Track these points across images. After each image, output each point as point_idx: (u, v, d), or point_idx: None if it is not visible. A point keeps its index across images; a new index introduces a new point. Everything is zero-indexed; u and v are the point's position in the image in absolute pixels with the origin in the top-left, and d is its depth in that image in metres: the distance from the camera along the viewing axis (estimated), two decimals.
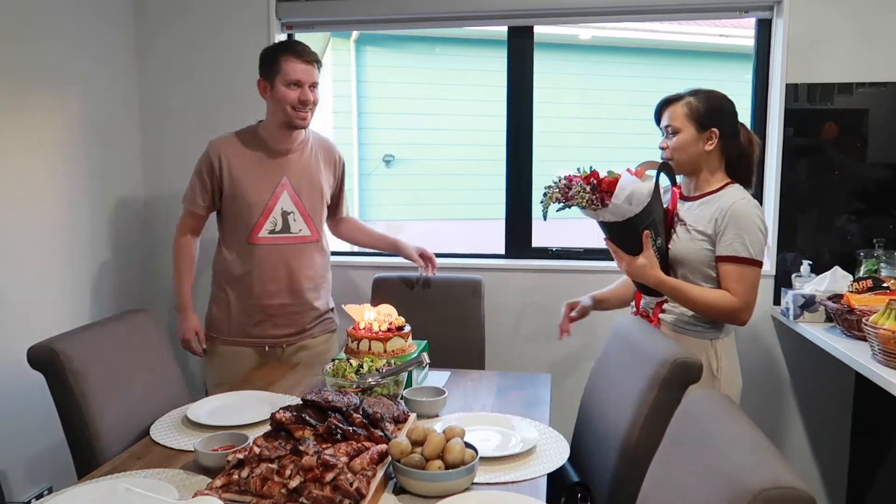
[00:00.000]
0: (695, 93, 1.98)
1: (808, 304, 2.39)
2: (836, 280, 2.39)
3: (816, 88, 2.55)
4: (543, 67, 2.91)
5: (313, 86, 2.26)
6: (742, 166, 2.01)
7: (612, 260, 2.60)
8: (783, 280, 2.62)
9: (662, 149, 2.02)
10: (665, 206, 2.04)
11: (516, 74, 2.86)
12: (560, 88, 4.07)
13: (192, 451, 1.52)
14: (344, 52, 4.48)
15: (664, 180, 1.98)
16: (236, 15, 2.89)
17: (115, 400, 1.75)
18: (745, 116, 2.72)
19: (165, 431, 1.70)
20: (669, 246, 2.00)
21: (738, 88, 2.51)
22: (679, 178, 2.07)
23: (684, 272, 1.97)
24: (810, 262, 2.56)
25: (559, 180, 1.91)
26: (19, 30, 2.30)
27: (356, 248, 3.05)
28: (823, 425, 2.70)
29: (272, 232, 2.31)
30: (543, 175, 2.95)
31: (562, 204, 1.90)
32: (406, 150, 4.54)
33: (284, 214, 2.32)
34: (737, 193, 1.93)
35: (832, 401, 2.67)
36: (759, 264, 1.88)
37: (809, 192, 2.60)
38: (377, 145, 4.54)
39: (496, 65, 2.92)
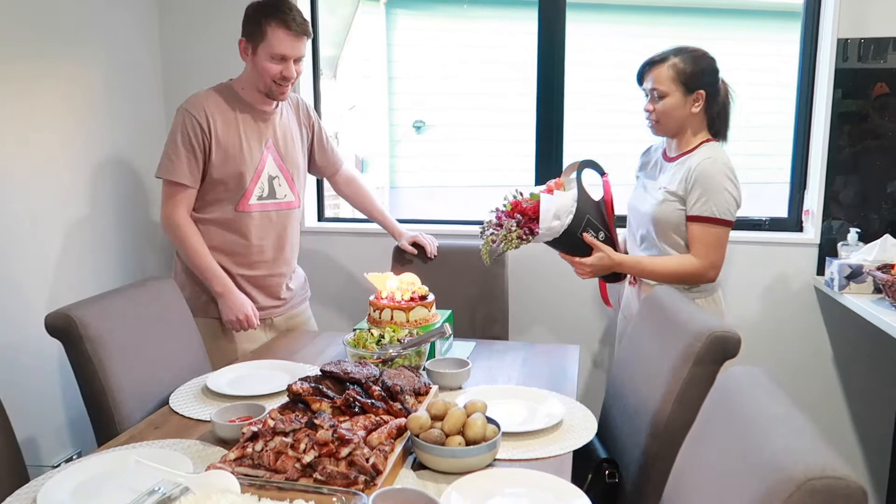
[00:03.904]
0: (679, 51, 1.94)
1: (855, 274, 2.27)
2: (885, 249, 2.26)
3: (870, 44, 2.38)
4: (576, 29, 2.78)
5: (298, 60, 2.05)
6: (722, 121, 2.00)
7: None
8: (828, 249, 2.49)
9: (648, 111, 1.99)
10: (599, 197, 2.04)
11: (547, 36, 2.73)
12: (593, 50, 3.91)
13: (209, 422, 1.49)
14: (374, 15, 4.37)
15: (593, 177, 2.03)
16: None
17: (135, 368, 1.73)
18: (791, 78, 2.58)
19: (185, 401, 1.68)
20: (615, 233, 2.05)
21: (784, 48, 2.37)
22: (661, 140, 2.11)
23: (658, 233, 1.98)
24: (858, 230, 2.42)
25: (490, 221, 1.98)
26: None
27: None
28: (867, 402, 2.58)
29: (261, 198, 2.16)
30: (574, 141, 2.85)
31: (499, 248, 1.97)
32: (436, 115, 4.45)
33: (270, 179, 2.18)
34: (706, 153, 1.92)
35: (878, 377, 2.55)
36: (727, 223, 1.89)
37: (859, 155, 2.45)
38: (407, 111, 4.46)
39: (527, 27, 2.80)
